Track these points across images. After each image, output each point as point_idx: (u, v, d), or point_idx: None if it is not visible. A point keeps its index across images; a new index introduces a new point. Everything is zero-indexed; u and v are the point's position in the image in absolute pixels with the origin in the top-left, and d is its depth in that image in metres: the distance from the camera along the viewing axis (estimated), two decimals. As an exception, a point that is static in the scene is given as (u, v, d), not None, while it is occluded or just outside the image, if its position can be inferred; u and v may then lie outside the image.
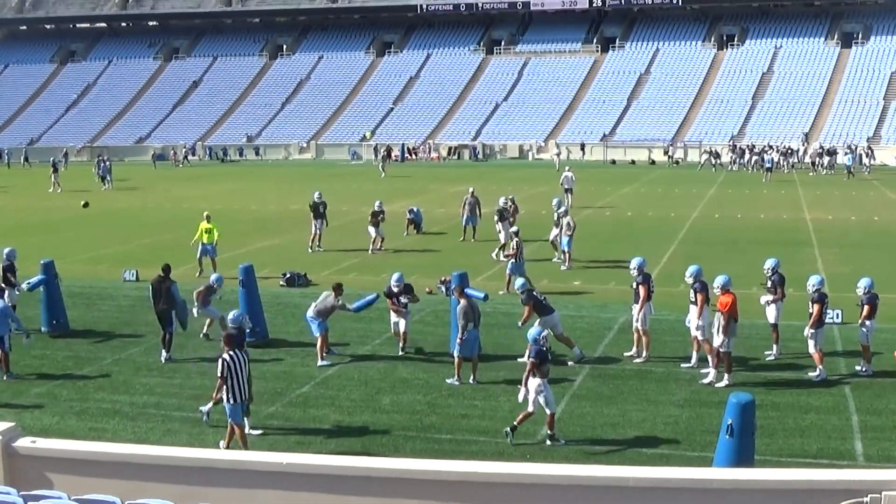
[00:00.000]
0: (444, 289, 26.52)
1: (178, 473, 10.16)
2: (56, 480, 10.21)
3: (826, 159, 70.04)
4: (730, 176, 67.33)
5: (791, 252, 33.28)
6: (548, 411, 15.76)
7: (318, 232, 35.41)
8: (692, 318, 19.69)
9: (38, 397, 18.71)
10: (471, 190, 37.72)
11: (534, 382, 15.71)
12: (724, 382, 18.49)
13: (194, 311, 22.00)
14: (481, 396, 18.34)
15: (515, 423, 15.81)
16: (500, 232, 33.21)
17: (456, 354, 19.16)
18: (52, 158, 69.09)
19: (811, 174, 63.23)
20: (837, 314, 22.58)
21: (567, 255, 31.22)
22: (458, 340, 19.08)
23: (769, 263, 20.85)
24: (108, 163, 66.95)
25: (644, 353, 20.47)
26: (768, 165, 65.36)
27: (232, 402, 15.15)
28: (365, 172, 72.91)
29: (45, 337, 23.13)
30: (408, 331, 21.45)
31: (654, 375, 19.43)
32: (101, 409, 17.98)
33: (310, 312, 20.75)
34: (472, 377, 19.08)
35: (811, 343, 19.07)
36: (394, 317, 21.43)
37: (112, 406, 18.11)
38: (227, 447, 15.11)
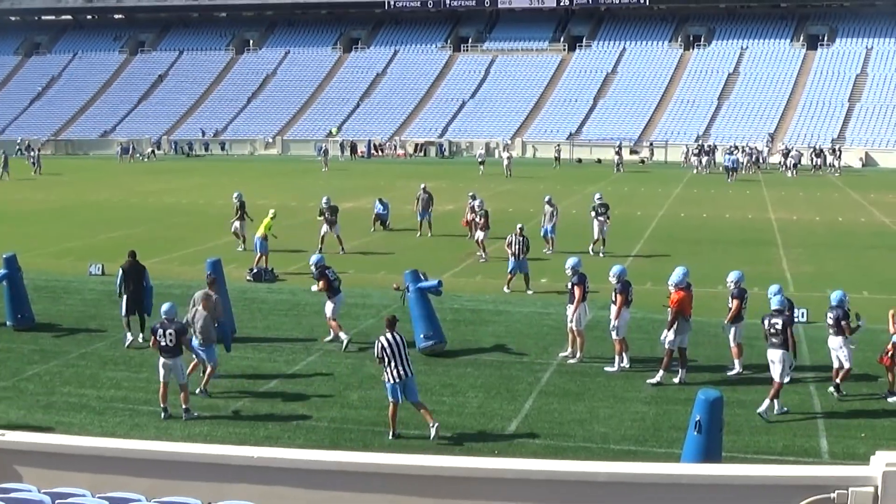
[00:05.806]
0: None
1: (148, 467, 10.13)
2: (25, 474, 10.13)
3: (790, 160, 70.33)
4: (696, 176, 67.61)
5: (756, 252, 33.64)
6: None
7: (325, 235, 33.66)
8: (611, 317, 19.81)
9: (3, 391, 18.58)
10: (423, 186, 38.29)
11: None
12: (657, 379, 18.72)
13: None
14: (449, 393, 18.38)
15: None
16: (594, 228, 33.94)
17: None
18: None
19: (787, 173, 64.30)
20: (803, 313, 22.75)
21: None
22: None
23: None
24: (36, 152, 68.53)
25: (578, 354, 20.36)
26: (733, 166, 65.52)
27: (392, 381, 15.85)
28: (331, 169, 72.74)
29: (10, 331, 22.99)
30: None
31: (622, 373, 19.51)
32: (68, 403, 17.89)
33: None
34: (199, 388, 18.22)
35: (730, 337, 19.38)
36: None
37: (79, 400, 18.03)
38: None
